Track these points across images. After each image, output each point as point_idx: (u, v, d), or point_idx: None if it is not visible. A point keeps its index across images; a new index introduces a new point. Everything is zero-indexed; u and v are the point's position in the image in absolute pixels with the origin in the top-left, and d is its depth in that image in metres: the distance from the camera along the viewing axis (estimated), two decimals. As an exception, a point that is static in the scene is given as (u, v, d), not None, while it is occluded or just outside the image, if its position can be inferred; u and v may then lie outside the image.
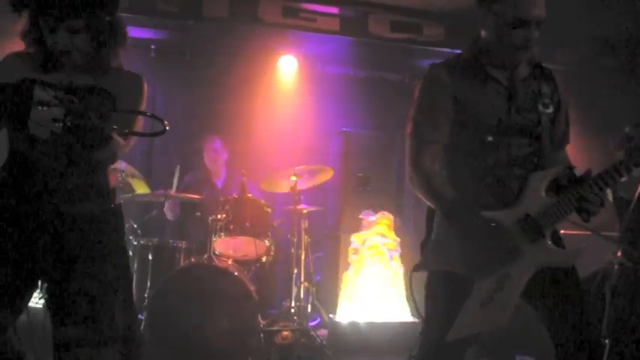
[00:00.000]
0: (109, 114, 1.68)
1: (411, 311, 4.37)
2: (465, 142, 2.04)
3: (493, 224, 1.93)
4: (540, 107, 2.06)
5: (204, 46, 5.34)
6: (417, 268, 2.03)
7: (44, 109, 1.35)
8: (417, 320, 4.24)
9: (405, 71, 5.92)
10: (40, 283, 1.99)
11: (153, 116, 1.43)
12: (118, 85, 1.95)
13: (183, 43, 5.31)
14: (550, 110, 2.07)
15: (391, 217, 4.61)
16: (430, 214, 2.08)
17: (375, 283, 4.42)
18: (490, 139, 2.01)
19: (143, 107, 2.02)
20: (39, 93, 1.33)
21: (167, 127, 1.53)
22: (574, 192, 1.97)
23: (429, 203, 2.06)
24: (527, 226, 1.95)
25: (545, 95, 2.08)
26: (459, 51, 2.18)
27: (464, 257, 1.94)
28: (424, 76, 2.11)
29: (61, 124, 1.46)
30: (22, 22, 1.95)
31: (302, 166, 4.38)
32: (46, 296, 1.95)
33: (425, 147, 2.03)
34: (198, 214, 4.65)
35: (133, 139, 1.95)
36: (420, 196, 2.06)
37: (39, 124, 1.36)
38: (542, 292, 2.01)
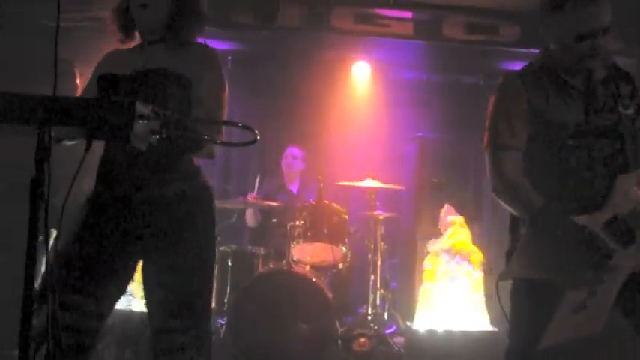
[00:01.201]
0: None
1: (491, 320, 4.26)
2: (544, 147, 2.01)
3: (583, 229, 1.87)
4: (620, 108, 2.02)
5: (279, 56, 5.43)
6: (502, 276, 1.99)
7: (144, 122, 1.41)
8: (496, 329, 4.13)
9: (479, 73, 5.81)
10: (134, 269, 2.06)
11: (244, 127, 1.46)
12: (192, 62, 2.02)
13: (259, 53, 5.42)
14: (630, 111, 2.03)
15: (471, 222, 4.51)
16: (514, 222, 2.04)
17: (453, 290, 4.34)
18: (570, 142, 1.97)
19: (222, 78, 2.06)
20: (140, 108, 1.38)
21: (258, 137, 1.56)
22: None
23: (514, 211, 2.03)
24: (616, 229, 1.90)
25: (625, 96, 2.04)
26: (536, 51, 2.15)
27: (553, 264, 1.90)
28: (498, 85, 2.10)
29: (157, 136, 1.52)
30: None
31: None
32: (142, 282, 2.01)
33: (505, 155, 2.01)
34: (274, 220, 4.73)
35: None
36: (504, 204, 2.04)
37: (139, 137, 1.42)
38: (634, 296, 1.95)
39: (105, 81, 1.98)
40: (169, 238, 1.96)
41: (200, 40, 2.13)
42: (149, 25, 2.05)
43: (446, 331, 4.18)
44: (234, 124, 1.46)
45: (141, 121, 1.40)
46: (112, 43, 2.21)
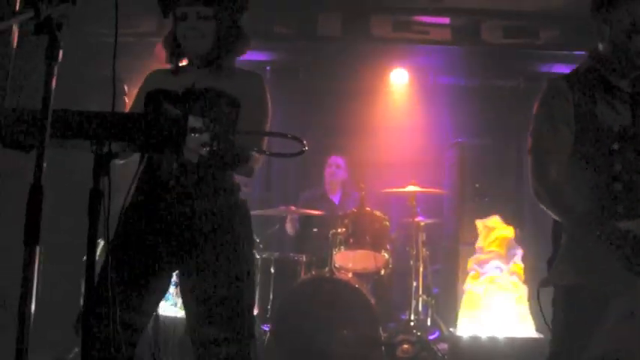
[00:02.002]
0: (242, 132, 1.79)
1: (536, 327, 4.20)
2: (588, 152, 1.98)
3: (628, 234, 1.84)
4: None
5: (318, 65, 5.49)
6: (544, 283, 1.97)
7: (195, 135, 1.47)
8: (541, 336, 4.07)
9: (519, 77, 5.74)
10: (169, 281, 2.10)
11: (293, 137, 1.51)
12: (239, 85, 2.09)
13: (297, 63, 5.50)
14: None
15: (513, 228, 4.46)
16: (557, 227, 2.01)
17: (497, 296, 4.29)
18: (615, 147, 1.94)
19: (267, 104, 2.14)
20: (191, 121, 1.45)
21: (306, 148, 1.60)
22: None
23: (555, 216, 2.00)
24: None
25: None
26: (578, 52, 2.13)
27: (598, 271, 1.87)
28: (543, 89, 2.08)
29: (208, 149, 1.58)
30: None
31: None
32: (180, 295, 2.05)
33: (549, 159, 1.99)
34: (315, 229, 4.76)
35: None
36: (546, 209, 2.00)
37: (191, 149, 1.48)
38: None
39: (156, 98, 2.06)
40: (210, 250, 2.00)
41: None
42: (197, 52, 2.12)
43: (490, 338, 4.13)
44: (284, 135, 1.51)
45: (192, 134, 1.47)
46: (156, 59, 2.29)
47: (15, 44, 2.25)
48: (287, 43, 4.99)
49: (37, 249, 1.11)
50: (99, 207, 1.48)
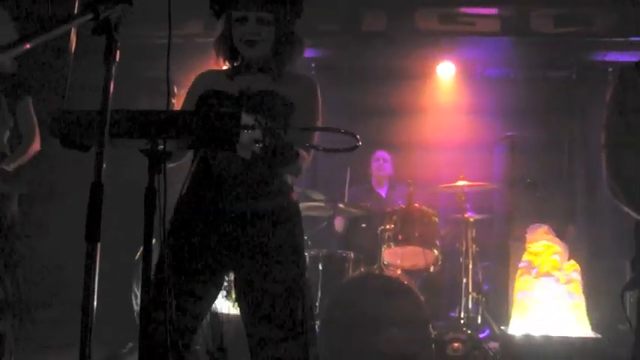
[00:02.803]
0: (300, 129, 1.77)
1: (593, 326, 4.06)
2: None
3: None
4: None
5: (363, 60, 5.45)
6: (628, 286, 1.87)
7: (249, 132, 1.46)
8: (599, 336, 3.93)
9: (571, 67, 5.56)
10: (223, 281, 2.10)
11: (347, 132, 1.49)
12: (292, 90, 2.08)
13: (342, 59, 5.47)
14: None
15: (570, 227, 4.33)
16: (639, 226, 1.91)
17: (550, 294, 4.17)
18: None
19: (319, 110, 2.13)
20: (244, 118, 1.44)
21: (359, 143, 1.58)
22: None
23: (633, 213, 1.90)
24: None
25: None
26: (634, 38, 2.02)
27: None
28: (614, 80, 2.00)
29: (260, 145, 1.57)
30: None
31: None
32: (234, 295, 2.04)
33: (624, 154, 1.90)
34: (363, 225, 4.72)
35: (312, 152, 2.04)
36: (622, 206, 1.91)
37: (244, 146, 1.48)
38: None
39: (210, 98, 2.07)
40: (266, 250, 1.99)
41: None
42: (255, 57, 2.10)
43: (543, 337, 4.02)
44: (337, 130, 1.49)
45: (246, 131, 1.46)
46: (203, 60, 2.29)
47: (73, 49, 2.30)
48: (332, 39, 4.96)
49: (98, 245, 1.13)
50: (154, 205, 1.49)
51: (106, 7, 1.12)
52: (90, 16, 1.08)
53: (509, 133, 4.90)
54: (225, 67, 2.22)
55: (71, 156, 1.64)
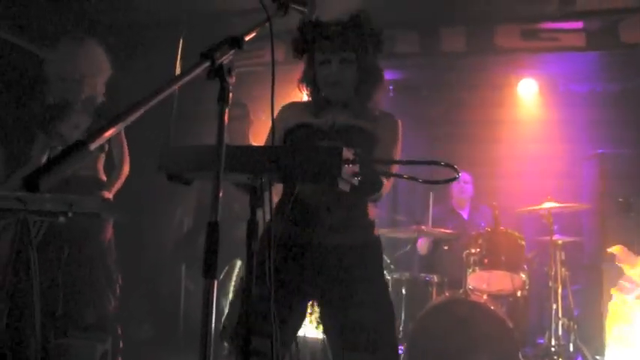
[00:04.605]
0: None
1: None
2: None
3: None
4: None
5: (440, 80, 5.39)
6: None
7: (350, 166, 1.48)
8: None
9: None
10: (307, 310, 2.15)
11: (447, 165, 1.48)
12: (375, 125, 2.12)
13: (420, 80, 5.43)
14: None
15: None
16: None
17: (650, 321, 3.93)
18: None
19: (399, 147, 2.15)
20: (345, 152, 1.46)
21: (459, 174, 1.57)
22: None
23: None
24: None
25: None
26: None
27: None
28: None
29: (358, 178, 1.59)
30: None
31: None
32: (320, 322, 2.07)
33: None
34: (445, 248, 4.64)
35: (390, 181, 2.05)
36: None
37: (344, 179, 1.49)
38: None
39: (299, 130, 2.12)
40: (353, 282, 2.03)
41: None
42: (339, 98, 2.17)
43: (646, 367, 3.79)
44: (436, 163, 1.48)
45: (346, 165, 1.48)
46: (281, 87, 2.32)
47: (177, 91, 2.40)
48: (409, 60, 4.94)
49: (215, 282, 1.17)
50: (255, 237, 1.52)
51: (221, 54, 1.17)
52: (207, 64, 1.14)
53: (599, 150, 4.69)
54: (305, 97, 2.28)
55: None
